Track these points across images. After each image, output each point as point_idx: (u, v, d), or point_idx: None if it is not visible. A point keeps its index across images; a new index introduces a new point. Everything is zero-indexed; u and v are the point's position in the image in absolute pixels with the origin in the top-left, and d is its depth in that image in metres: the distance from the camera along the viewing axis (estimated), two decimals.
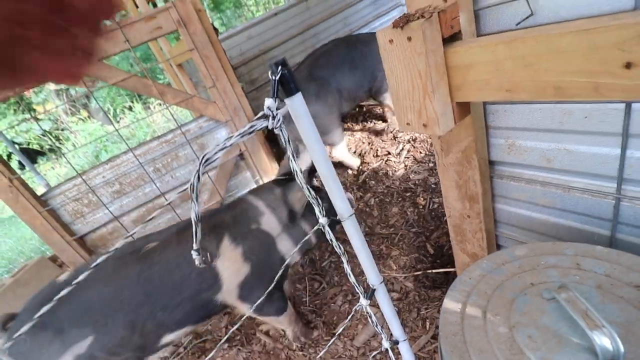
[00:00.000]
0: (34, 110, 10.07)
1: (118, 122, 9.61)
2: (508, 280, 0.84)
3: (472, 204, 1.10)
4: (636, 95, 0.57)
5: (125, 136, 8.64)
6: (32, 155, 9.41)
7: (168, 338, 1.43)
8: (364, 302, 0.74)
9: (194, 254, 0.49)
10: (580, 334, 0.65)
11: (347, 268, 0.69)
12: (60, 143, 9.43)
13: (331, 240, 0.65)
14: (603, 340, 0.59)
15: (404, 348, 0.86)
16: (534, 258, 0.87)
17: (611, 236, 0.92)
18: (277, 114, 0.53)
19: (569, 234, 1.00)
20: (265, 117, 0.53)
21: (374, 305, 1.57)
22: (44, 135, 9.71)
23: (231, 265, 1.43)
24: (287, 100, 0.56)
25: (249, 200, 1.59)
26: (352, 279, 0.70)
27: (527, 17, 0.76)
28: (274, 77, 0.52)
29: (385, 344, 0.82)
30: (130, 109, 9.96)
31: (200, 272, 1.39)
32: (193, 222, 0.48)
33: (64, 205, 2.17)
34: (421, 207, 2.17)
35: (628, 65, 0.56)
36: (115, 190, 2.25)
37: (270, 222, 1.53)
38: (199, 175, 0.49)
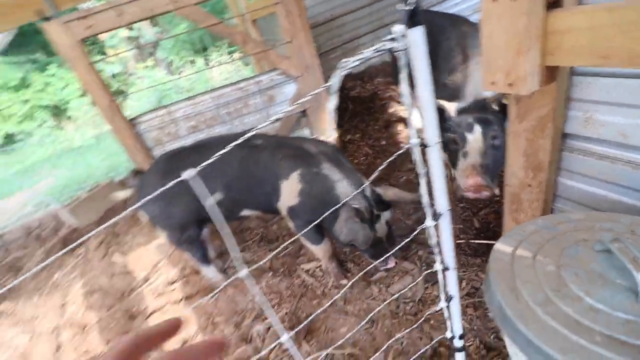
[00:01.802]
0: (105, 53, 10.91)
1: (179, 73, 10.17)
2: (561, 235, 0.92)
3: (536, 173, 1.17)
4: None
5: (185, 88, 9.18)
6: None
7: (245, 212, 1.95)
8: (430, 223, 0.87)
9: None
10: (625, 277, 0.74)
11: (423, 188, 0.82)
12: (127, 86, 10.22)
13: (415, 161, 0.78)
14: None
15: (452, 276, 0.99)
16: (590, 222, 0.94)
17: None
18: (402, 40, 0.65)
19: (629, 212, 1.05)
20: (392, 40, 0.65)
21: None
22: (114, 77, 10.56)
23: (288, 192, 1.74)
24: (409, 32, 0.68)
25: (333, 159, 1.79)
26: (425, 199, 0.83)
27: None
28: (406, 7, 0.64)
29: (438, 266, 0.95)
30: (192, 62, 10.45)
31: (274, 182, 1.76)
32: (329, 111, 0.62)
33: (148, 132, 2.48)
34: None
35: None
36: (192, 126, 2.52)
37: (339, 187, 1.70)
38: (338, 77, 0.62)
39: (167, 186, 0.75)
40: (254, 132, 0.80)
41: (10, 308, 2.82)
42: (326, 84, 0.84)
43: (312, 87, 2.40)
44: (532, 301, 0.77)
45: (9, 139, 10.37)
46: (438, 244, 0.93)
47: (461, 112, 1.66)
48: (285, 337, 0.71)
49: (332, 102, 0.68)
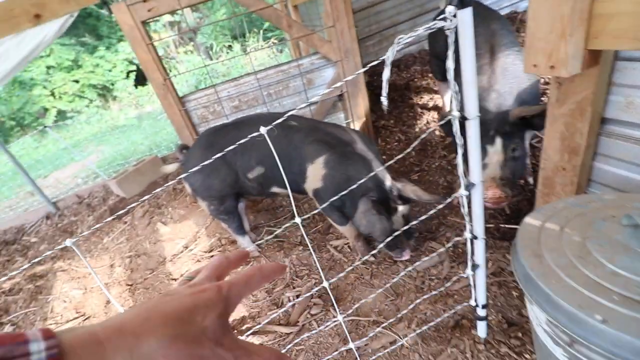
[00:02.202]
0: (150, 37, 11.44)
1: (217, 58, 10.49)
2: (590, 212, 0.97)
3: (571, 156, 1.20)
4: None
5: (222, 72, 9.49)
6: (143, 77, 10.83)
7: (274, 189, 2.08)
8: (463, 192, 0.96)
9: (383, 100, 0.74)
10: None
11: (459, 157, 0.90)
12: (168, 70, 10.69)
13: (455, 133, 0.86)
14: None
15: (479, 245, 1.06)
16: (620, 201, 0.98)
17: None
18: (452, 20, 0.73)
19: None
20: (444, 19, 0.73)
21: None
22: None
23: (313, 176, 1.85)
24: (459, 12, 0.76)
25: (359, 146, 1.86)
26: (460, 168, 0.91)
27: None
28: None
29: (467, 235, 1.04)
30: (229, 47, 10.75)
31: (301, 164, 1.87)
32: (383, 80, 0.72)
33: (195, 109, 2.67)
34: None
35: None
36: (235, 105, 2.68)
37: (360, 177, 1.74)
38: (393, 50, 0.72)
39: (211, 160, 0.88)
40: (290, 114, 0.91)
41: (65, 266, 3.16)
42: (362, 69, 0.92)
43: (350, 72, 2.47)
44: (554, 265, 0.84)
45: (62, 115, 11.22)
46: (469, 213, 1.01)
47: (482, 123, 1.65)
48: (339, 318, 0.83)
49: (386, 73, 0.72)
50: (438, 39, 2.54)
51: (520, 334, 1.34)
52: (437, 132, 2.90)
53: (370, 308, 1.75)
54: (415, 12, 4.25)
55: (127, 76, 11.67)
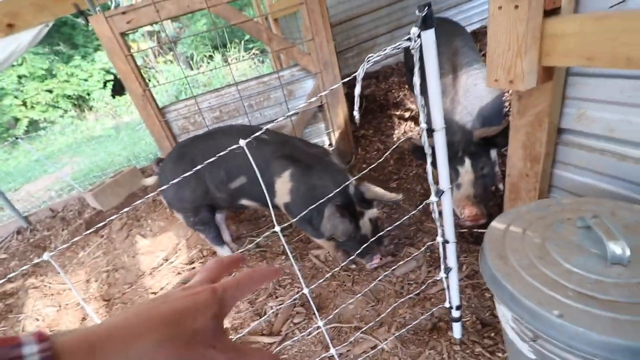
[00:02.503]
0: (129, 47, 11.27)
1: (198, 68, 10.44)
2: (550, 215, 1.05)
3: (533, 164, 1.29)
4: None
5: (202, 82, 9.44)
6: (121, 86, 10.63)
7: (243, 201, 2.08)
8: (434, 199, 1.01)
9: (356, 114, 0.79)
10: (599, 247, 0.86)
11: (429, 167, 0.95)
12: (146, 80, 10.53)
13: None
14: (615, 248, 0.80)
15: (451, 249, 1.12)
16: (577, 205, 1.07)
17: None
18: (417, 40, 0.79)
19: (614, 199, 1.16)
20: (409, 39, 0.79)
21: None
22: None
23: (281, 191, 1.87)
24: (422, 33, 0.82)
25: (326, 158, 1.90)
26: (430, 177, 0.97)
27: (619, 3, 0.93)
28: (421, 13, 0.78)
29: (439, 239, 1.09)
30: (210, 57, 10.72)
31: (270, 178, 1.87)
32: (356, 96, 0.77)
33: (176, 120, 2.66)
34: None
35: None
36: (216, 116, 2.70)
37: (322, 190, 1.76)
38: (364, 67, 0.77)
39: (185, 174, 0.90)
40: (265, 128, 0.94)
41: (37, 282, 3.03)
42: (341, 81, 0.98)
43: (329, 83, 2.54)
44: (517, 265, 0.90)
45: (34, 126, 10.81)
46: (440, 218, 1.07)
47: (450, 145, 1.70)
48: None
49: (358, 88, 0.76)
50: (411, 55, 2.65)
51: (493, 334, 1.40)
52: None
53: (352, 314, 1.78)
54: (393, 25, 4.41)
55: (104, 86, 11.42)
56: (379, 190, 1.75)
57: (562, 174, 1.30)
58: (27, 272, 3.14)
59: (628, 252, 0.79)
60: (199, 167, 0.89)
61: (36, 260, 0.81)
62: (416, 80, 0.85)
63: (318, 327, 1.76)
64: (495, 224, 1.07)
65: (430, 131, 0.92)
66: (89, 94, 11.25)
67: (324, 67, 2.59)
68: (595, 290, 0.79)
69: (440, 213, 1.04)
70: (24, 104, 10.40)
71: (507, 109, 2.76)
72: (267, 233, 1.39)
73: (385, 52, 0.78)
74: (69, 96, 11.05)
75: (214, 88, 2.63)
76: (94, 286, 2.81)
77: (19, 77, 10.08)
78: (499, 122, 1.85)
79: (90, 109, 11.40)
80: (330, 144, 3.06)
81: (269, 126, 0.92)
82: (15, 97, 10.20)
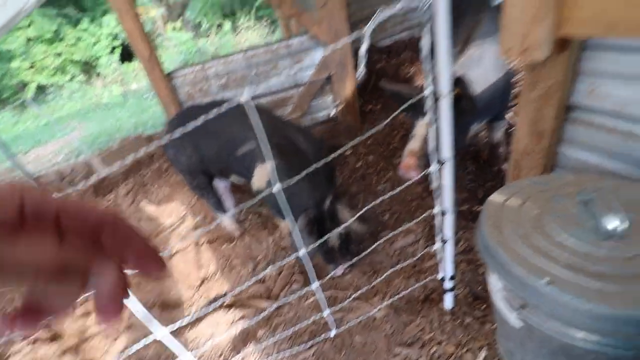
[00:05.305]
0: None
1: (207, 36, 10.22)
2: (551, 189, 1.04)
3: (538, 139, 1.27)
4: None
5: (210, 52, 9.27)
6: (129, 54, 10.49)
7: (232, 178, 2.16)
8: (434, 168, 1.01)
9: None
10: (595, 221, 0.86)
11: (432, 132, 0.95)
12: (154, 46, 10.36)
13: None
14: (608, 222, 0.81)
15: (449, 220, 1.13)
16: (580, 181, 1.06)
17: None
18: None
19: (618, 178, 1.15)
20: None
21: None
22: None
23: (258, 178, 1.85)
24: None
25: (315, 161, 1.85)
26: (432, 144, 0.96)
27: None
28: None
29: (437, 209, 1.10)
30: (219, 26, 10.46)
31: (252, 161, 1.86)
32: (361, 54, 0.76)
33: (182, 86, 2.64)
34: (482, 161, 2.32)
35: None
36: (222, 84, 2.67)
37: (298, 198, 1.71)
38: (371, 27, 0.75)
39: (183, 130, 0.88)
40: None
41: None
42: (350, 37, 0.96)
43: (339, 54, 2.49)
44: (511, 235, 0.91)
45: (41, 90, 10.81)
46: (440, 188, 1.07)
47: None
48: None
49: (364, 46, 0.73)
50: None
51: (484, 307, 1.44)
52: None
53: (349, 283, 1.83)
54: None
55: (112, 51, 11.28)
56: (348, 216, 1.70)
57: (567, 152, 1.28)
58: None
59: (621, 227, 0.79)
60: (194, 131, 0.85)
61: None
62: (426, 42, 0.83)
63: (312, 291, 1.82)
64: (495, 196, 1.07)
65: (435, 97, 0.90)
66: (97, 59, 11.14)
67: (334, 37, 2.52)
68: (584, 261, 0.80)
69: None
70: (33, 67, 10.36)
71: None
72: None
73: (399, 7, 0.75)
74: (77, 61, 10.96)
75: (221, 55, 2.59)
76: None
77: (28, 39, 9.98)
78: (500, 103, 1.81)
79: (98, 75, 11.33)
80: (336, 118, 3.03)
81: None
82: (24, 59, 10.15)
